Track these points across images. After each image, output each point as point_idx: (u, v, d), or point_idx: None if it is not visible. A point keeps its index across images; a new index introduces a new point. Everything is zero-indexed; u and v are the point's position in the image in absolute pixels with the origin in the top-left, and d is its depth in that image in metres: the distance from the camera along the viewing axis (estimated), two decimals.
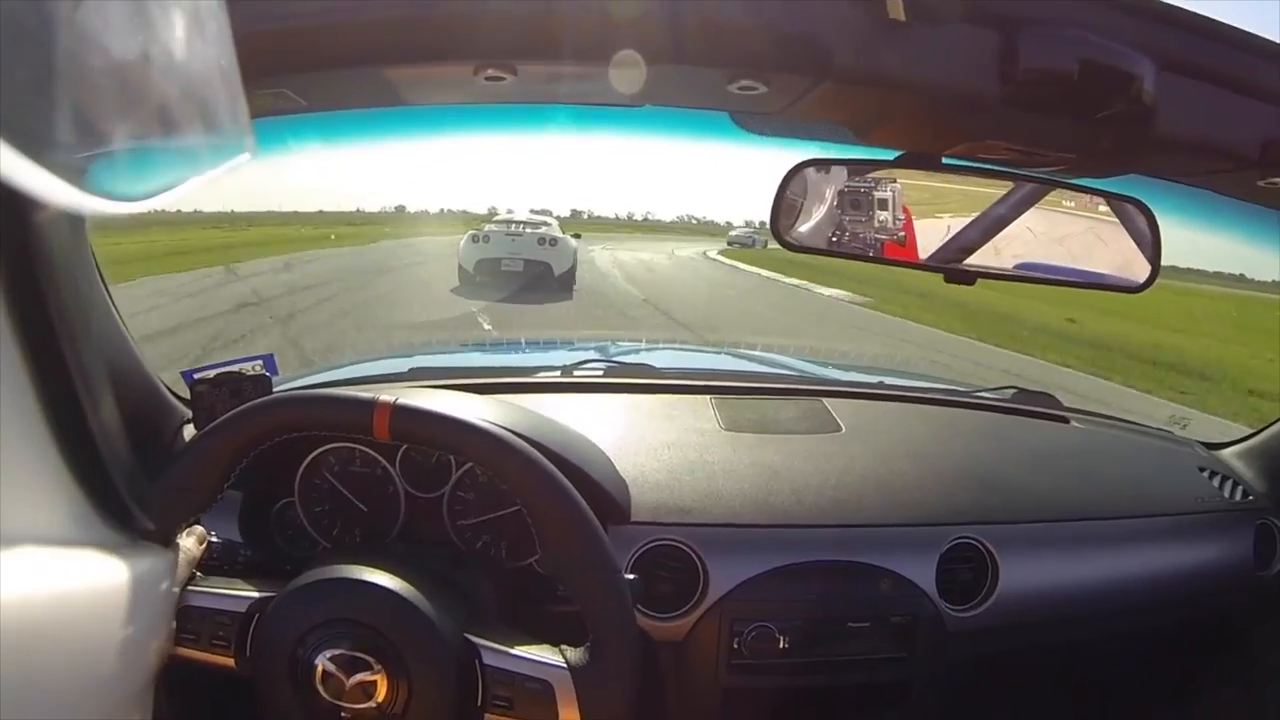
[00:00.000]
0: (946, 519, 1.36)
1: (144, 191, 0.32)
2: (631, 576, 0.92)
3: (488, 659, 0.83)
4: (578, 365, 1.67)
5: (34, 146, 0.25)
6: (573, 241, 14.99)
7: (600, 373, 1.63)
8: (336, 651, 0.79)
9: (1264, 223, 1.32)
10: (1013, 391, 1.93)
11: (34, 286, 0.30)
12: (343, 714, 0.79)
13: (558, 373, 1.59)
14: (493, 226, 14.82)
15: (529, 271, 13.67)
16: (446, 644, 0.82)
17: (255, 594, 0.84)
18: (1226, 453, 1.77)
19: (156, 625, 0.36)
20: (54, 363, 0.31)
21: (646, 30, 0.92)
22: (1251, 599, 1.58)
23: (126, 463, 0.34)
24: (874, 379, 1.95)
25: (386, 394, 0.86)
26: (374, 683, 0.79)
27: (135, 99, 0.31)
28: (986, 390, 1.97)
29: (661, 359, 1.81)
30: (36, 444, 0.30)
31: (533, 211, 15.67)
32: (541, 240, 14.10)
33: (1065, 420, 1.83)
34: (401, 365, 1.61)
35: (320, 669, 0.78)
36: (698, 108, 1.08)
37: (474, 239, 14.23)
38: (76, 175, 0.28)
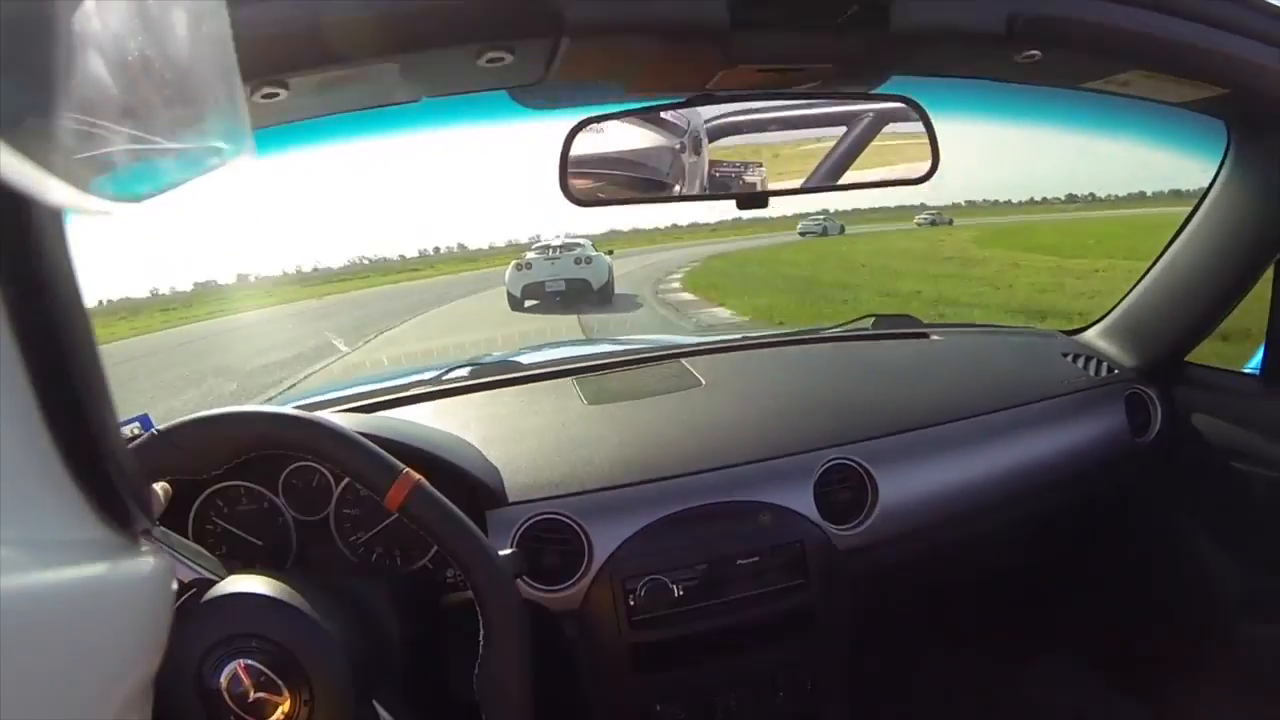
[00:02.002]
0: (816, 444, 1.26)
1: (145, 191, 0.30)
2: (507, 551, 0.83)
3: None
4: (445, 373, 1.59)
5: (34, 145, 0.23)
6: (606, 258, 15.09)
7: (466, 375, 1.54)
8: (241, 665, 0.71)
9: (1058, 106, 1.22)
10: (871, 320, 1.82)
11: (33, 285, 0.27)
12: None
13: (429, 385, 1.50)
14: (532, 254, 15.02)
15: (570, 289, 13.93)
16: (344, 654, 0.74)
17: (189, 576, 0.76)
18: (1086, 335, 1.64)
19: (155, 625, 0.33)
20: (53, 362, 0.28)
21: (388, 23, 0.85)
22: (1136, 467, 1.47)
23: (125, 463, 0.31)
24: (734, 336, 1.86)
25: (414, 471, 0.78)
26: (278, 698, 0.71)
27: (134, 97, 0.29)
28: (841, 325, 1.84)
29: (525, 356, 1.74)
30: (36, 443, 0.27)
31: (567, 236, 15.82)
32: (578, 260, 14.37)
33: (925, 335, 1.71)
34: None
35: (224, 683, 0.70)
36: (465, 92, 1.00)
37: (517, 268, 14.52)
38: (77, 175, 0.26)
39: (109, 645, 0.29)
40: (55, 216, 0.28)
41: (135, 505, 0.33)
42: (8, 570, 0.23)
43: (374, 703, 0.77)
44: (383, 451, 0.79)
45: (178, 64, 0.29)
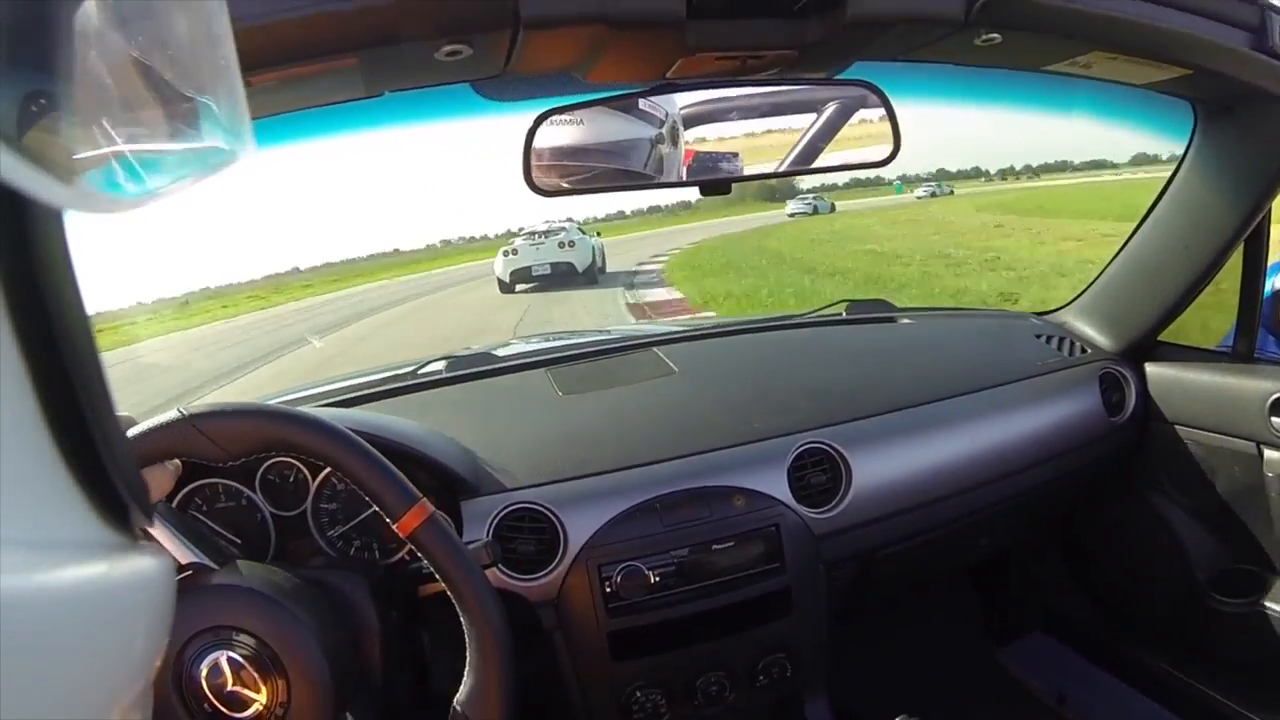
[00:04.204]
0: (789, 429, 1.27)
1: (146, 191, 0.29)
2: (478, 542, 0.86)
3: None
4: (420, 367, 1.59)
5: (34, 146, 0.23)
6: (592, 240, 15.68)
7: (442, 369, 1.54)
8: (223, 656, 0.72)
9: (1026, 88, 1.23)
10: (844, 305, 1.82)
11: (33, 285, 0.26)
12: (217, 713, 0.72)
13: (406, 380, 1.50)
14: (520, 240, 15.51)
15: (556, 271, 14.46)
16: (325, 657, 0.75)
17: (187, 558, 0.79)
18: (1059, 315, 1.65)
19: (156, 626, 0.33)
20: (54, 361, 0.27)
21: (345, 19, 0.85)
22: (1112, 446, 1.48)
23: (126, 463, 0.32)
24: (706, 324, 1.87)
25: (430, 501, 0.81)
26: (256, 693, 0.72)
27: (135, 97, 0.29)
28: (814, 310, 1.85)
29: (500, 349, 1.74)
30: (36, 444, 0.27)
31: (547, 222, 16.17)
32: (561, 244, 14.90)
33: (896, 320, 1.72)
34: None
35: (204, 673, 0.72)
36: (427, 85, 1.00)
37: (504, 254, 15.05)
38: (77, 175, 0.27)
39: (110, 646, 0.29)
40: (55, 216, 0.27)
41: (135, 505, 0.33)
42: (8, 570, 0.23)
43: (348, 713, 0.79)
44: (403, 476, 0.80)
45: (179, 64, 0.30)
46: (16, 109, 0.23)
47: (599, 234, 17.21)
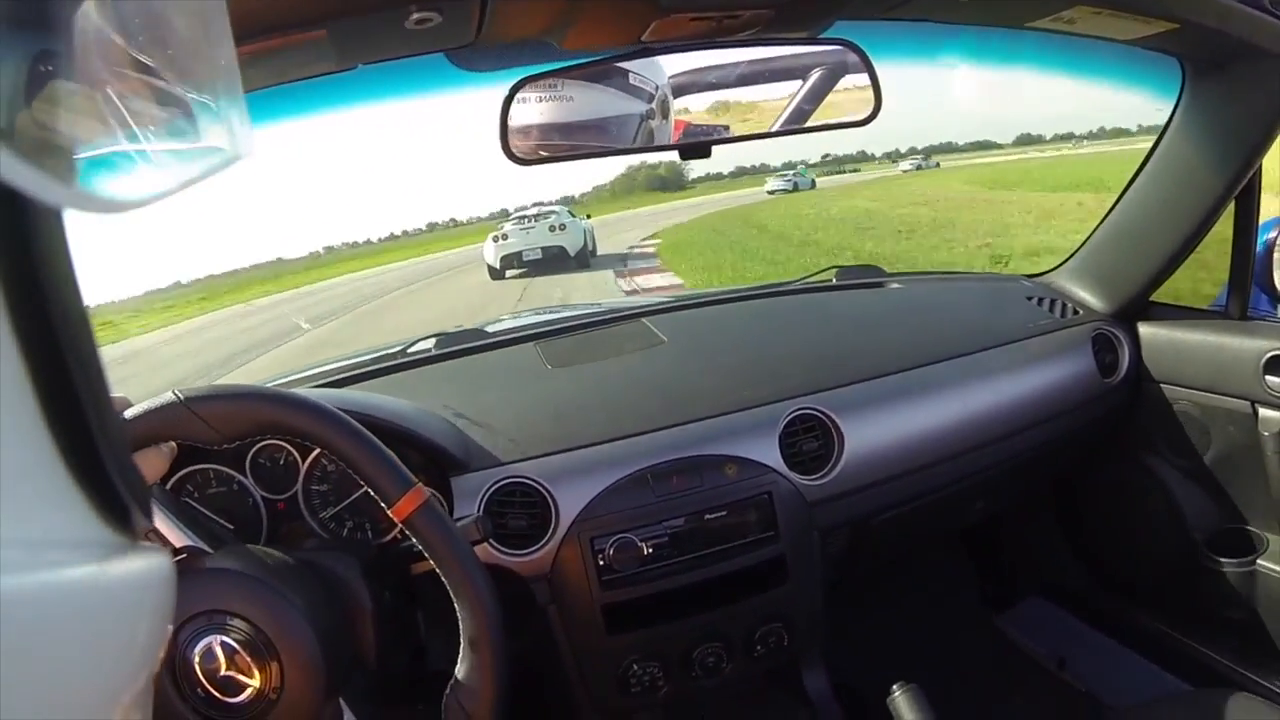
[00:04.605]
0: (780, 396, 1.26)
1: (145, 191, 0.29)
2: (468, 517, 0.85)
3: None
4: (409, 346, 1.57)
5: (34, 145, 0.23)
6: (583, 222, 15.60)
7: (431, 347, 1.53)
8: (217, 640, 0.71)
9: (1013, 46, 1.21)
10: (834, 271, 1.80)
11: (33, 285, 0.26)
12: (210, 697, 0.71)
13: (395, 359, 1.48)
14: (509, 225, 15.36)
15: (547, 255, 14.30)
16: (321, 646, 0.74)
17: (182, 541, 0.79)
18: (1051, 277, 1.64)
19: (155, 625, 0.33)
20: (53, 361, 0.27)
21: None
22: (1105, 407, 1.47)
23: (127, 463, 0.31)
24: (695, 293, 1.86)
25: (422, 481, 0.80)
26: (249, 679, 0.72)
27: (135, 97, 0.28)
28: (804, 278, 1.84)
29: (489, 325, 1.73)
30: (36, 444, 0.27)
31: (540, 204, 16.05)
32: (552, 227, 14.74)
33: (886, 285, 1.71)
34: None
35: (197, 656, 0.71)
36: (400, 56, 0.98)
37: (494, 239, 14.86)
38: (78, 175, 0.26)
39: (110, 646, 0.29)
40: (55, 216, 0.27)
41: (135, 505, 0.32)
42: (8, 570, 0.23)
43: (340, 700, 0.78)
44: (398, 461, 0.79)
45: (179, 64, 0.29)
46: (26, 69, 0.23)
47: (589, 215, 17.04)
